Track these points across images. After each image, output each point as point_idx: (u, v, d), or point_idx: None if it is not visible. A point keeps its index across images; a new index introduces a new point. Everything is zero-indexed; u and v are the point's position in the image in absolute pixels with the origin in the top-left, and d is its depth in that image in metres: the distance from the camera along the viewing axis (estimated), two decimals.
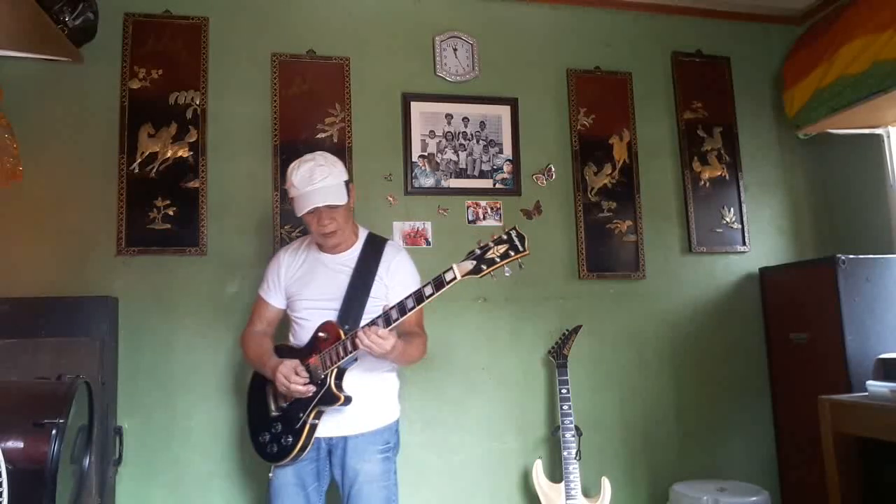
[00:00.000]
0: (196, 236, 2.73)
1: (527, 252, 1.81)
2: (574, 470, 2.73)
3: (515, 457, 2.96)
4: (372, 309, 2.04)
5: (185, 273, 2.72)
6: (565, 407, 2.79)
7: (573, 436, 2.76)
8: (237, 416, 2.67)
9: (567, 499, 2.70)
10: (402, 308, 1.87)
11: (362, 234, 2.18)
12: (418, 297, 1.86)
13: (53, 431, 1.35)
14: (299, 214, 2.01)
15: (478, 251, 1.82)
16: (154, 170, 2.73)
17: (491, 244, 1.81)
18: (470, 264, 1.80)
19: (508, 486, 2.94)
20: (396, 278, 2.09)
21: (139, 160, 2.72)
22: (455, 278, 1.81)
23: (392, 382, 2.15)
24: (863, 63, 2.86)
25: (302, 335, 2.09)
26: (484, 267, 1.80)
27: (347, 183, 2.06)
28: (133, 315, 2.64)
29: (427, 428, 2.88)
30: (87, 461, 1.60)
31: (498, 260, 1.79)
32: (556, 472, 2.85)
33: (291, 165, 2.05)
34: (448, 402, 2.92)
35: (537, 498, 2.77)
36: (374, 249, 2.12)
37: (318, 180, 1.97)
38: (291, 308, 2.15)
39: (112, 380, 2.51)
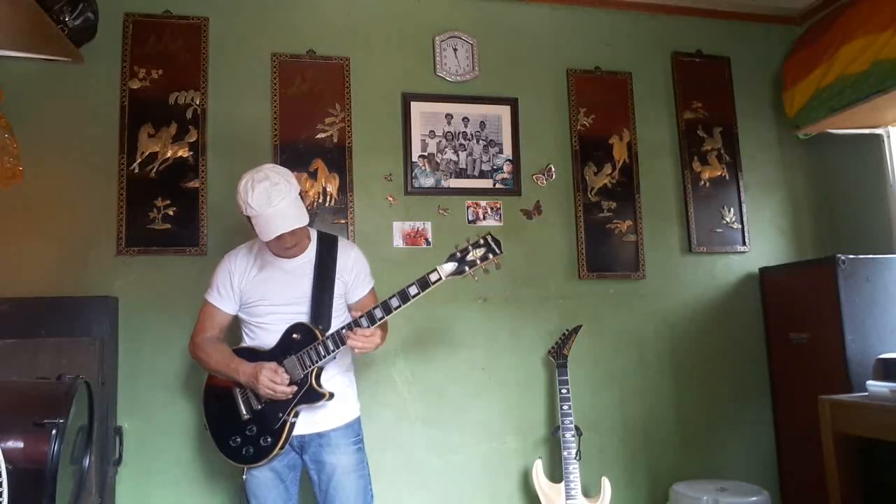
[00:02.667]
0: (196, 236, 2.73)
1: (502, 254, 2.01)
2: (574, 470, 2.73)
3: (515, 457, 2.96)
4: (337, 306, 2.11)
5: (185, 273, 2.71)
6: (565, 407, 2.79)
7: (573, 436, 2.76)
8: None
9: (567, 499, 2.70)
10: (386, 307, 1.98)
11: (312, 234, 2.18)
12: (403, 296, 1.98)
13: (53, 431, 1.35)
14: (264, 240, 1.95)
15: (458, 254, 1.99)
16: (154, 170, 2.73)
17: (469, 247, 1.99)
18: (452, 266, 1.98)
19: (508, 487, 2.94)
20: (354, 273, 2.16)
21: (139, 160, 2.72)
22: (440, 279, 1.97)
23: (353, 379, 2.22)
24: (863, 63, 2.86)
25: (264, 338, 2.08)
26: (466, 268, 1.98)
27: (300, 194, 2.02)
28: (133, 315, 2.65)
29: (427, 428, 2.89)
30: (87, 461, 1.59)
31: (479, 262, 1.98)
32: (556, 472, 2.85)
33: (243, 182, 1.94)
34: (448, 402, 2.92)
35: (537, 498, 2.77)
36: (327, 249, 2.15)
37: (277, 202, 1.89)
38: (250, 313, 2.12)
39: (112, 380, 2.51)
